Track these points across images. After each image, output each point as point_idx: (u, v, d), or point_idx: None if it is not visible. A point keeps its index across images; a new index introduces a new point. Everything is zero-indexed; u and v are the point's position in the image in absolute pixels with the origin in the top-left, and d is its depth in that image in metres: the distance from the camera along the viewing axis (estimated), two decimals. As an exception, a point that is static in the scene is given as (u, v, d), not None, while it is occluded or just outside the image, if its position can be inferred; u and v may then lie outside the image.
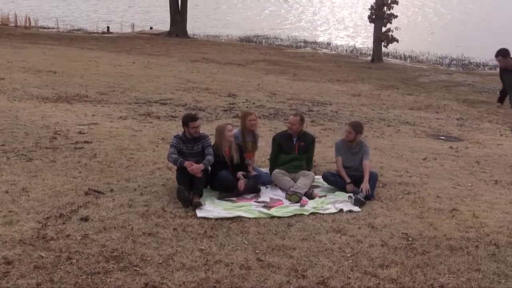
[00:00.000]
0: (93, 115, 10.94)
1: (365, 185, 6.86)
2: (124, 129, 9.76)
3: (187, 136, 6.83)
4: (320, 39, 37.38)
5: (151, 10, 47.36)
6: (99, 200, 6.28)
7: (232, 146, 7.06)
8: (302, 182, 6.95)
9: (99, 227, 5.55)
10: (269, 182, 7.27)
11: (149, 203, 6.27)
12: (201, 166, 6.61)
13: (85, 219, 5.72)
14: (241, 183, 6.83)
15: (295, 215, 6.20)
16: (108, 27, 34.89)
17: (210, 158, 6.77)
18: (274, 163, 7.44)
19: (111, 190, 6.64)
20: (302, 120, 7.47)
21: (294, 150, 7.36)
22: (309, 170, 7.40)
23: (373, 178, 7.01)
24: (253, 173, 7.27)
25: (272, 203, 6.58)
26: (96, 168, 7.42)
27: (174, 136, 6.94)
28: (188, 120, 6.80)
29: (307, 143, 7.44)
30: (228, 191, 6.76)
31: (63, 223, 5.61)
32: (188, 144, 6.81)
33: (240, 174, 6.96)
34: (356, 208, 6.47)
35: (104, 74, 16.56)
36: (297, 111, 9.01)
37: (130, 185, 6.86)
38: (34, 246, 5.06)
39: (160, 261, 4.92)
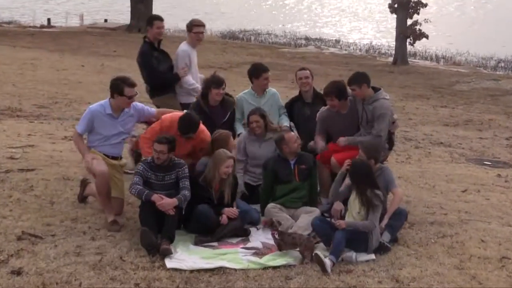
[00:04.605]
0: (29, 134, 10.95)
1: (384, 222, 6.77)
2: (70, 153, 9.75)
3: (156, 162, 6.81)
4: (327, 36, 37.60)
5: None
6: (36, 247, 6.26)
7: (226, 180, 6.98)
8: (305, 221, 6.94)
9: (36, 283, 5.51)
10: (259, 220, 7.29)
11: (103, 251, 6.26)
12: (173, 200, 6.59)
13: (18, 272, 5.69)
14: (224, 218, 6.82)
15: (294, 265, 6.21)
16: (48, 20, 34.92)
17: (186, 193, 6.73)
18: (268, 196, 7.45)
19: (53, 235, 6.62)
20: (299, 138, 7.56)
21: (294, 177, 7.39)
22: (313, 202, 7.44)
23: (401, 217, 6.96)
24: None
25: (264, 249, 6.59)
26: (32, 205, 7.40)
27: (141, 161, 6.95)
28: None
29: (308, 165, 7.46)
30: (207, 233, 6.75)
31: (-12, 278, 5.59)
32: (159, 173, 6.79)
33: (227, 213, 6.90)
34: (372, 256, 6.42)
35: (43, 81, 16.57)
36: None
37: (77, 227, 6.84)
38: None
39: (118, 328, 4.91)
